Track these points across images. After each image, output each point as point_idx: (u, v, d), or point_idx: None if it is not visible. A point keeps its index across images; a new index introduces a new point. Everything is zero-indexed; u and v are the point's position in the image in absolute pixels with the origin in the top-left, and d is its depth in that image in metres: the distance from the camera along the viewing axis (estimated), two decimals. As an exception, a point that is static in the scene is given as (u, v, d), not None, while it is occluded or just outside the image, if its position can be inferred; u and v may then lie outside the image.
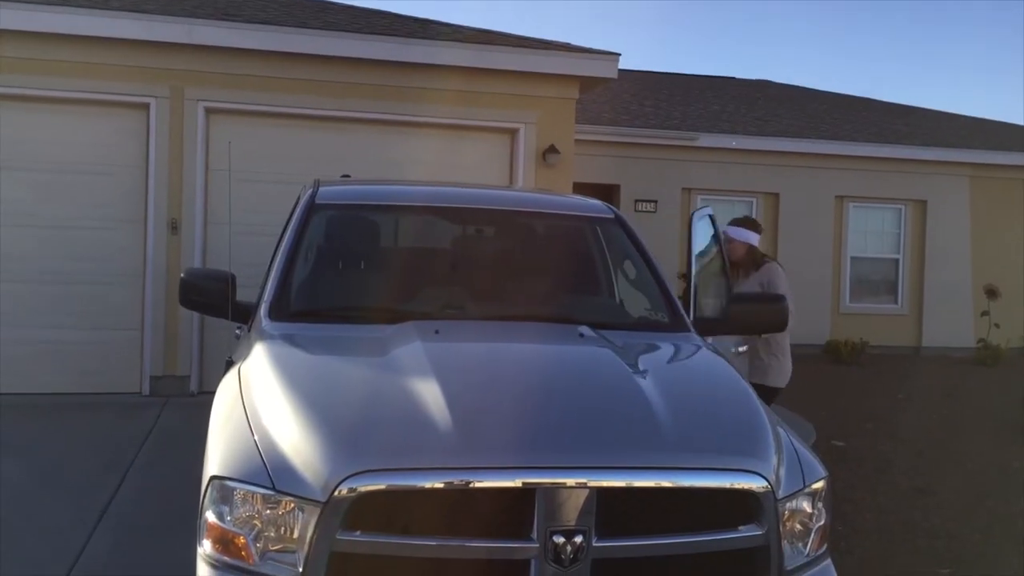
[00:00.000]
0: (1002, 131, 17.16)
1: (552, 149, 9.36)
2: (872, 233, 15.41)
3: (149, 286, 8.56)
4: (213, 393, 3.36)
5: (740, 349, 5.86)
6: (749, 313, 4.38)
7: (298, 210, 4.40)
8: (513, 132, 9.48)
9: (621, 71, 9.99)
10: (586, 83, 9.77)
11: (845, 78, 53.01)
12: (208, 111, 8.74)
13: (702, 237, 5.12)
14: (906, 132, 16.14)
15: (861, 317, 14.90)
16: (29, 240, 8.38)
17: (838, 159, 14.76)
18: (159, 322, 8.59)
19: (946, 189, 15.29)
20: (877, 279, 15.47)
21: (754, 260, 6.39)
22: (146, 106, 8.57)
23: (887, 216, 15.42)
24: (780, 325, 4.44)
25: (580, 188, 12.17)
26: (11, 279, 8.35)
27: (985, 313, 14.34)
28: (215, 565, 2.66)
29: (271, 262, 4.51)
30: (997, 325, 14.13)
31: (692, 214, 5.43)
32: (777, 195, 14.69)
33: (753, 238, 6.43)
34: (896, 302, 15.41)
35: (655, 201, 14.13)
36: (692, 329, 4.07)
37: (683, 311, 4.19)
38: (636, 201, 14.12)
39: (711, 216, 5.66)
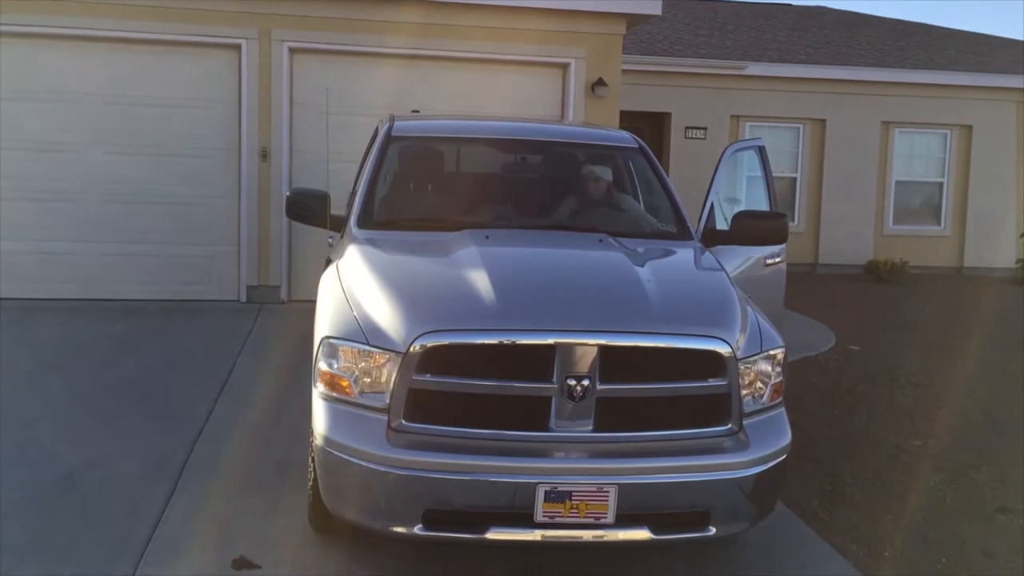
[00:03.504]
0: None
1: (600, 82, 10.20)
2: (917, 158, 15.93)
3: (244, 206, 9.74)
4: (301, 301, 4.29)
5: (772, 260, 6.23)
6: (753, 228, 5.13)
7: (378, 141, 5.43)
8: (564, 67, 10.33)
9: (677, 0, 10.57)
10: (633, 19, 10.53)
11: (911, 4, 51.62)
12: (292, 51, 9.76)
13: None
14: (955, 57, 16.47)
15: (904, 239, 15.54)
16: (143, 166, 9.58)
17: (885, 85, 15.26)
18: (252, 238, 9.79)
19: (992, 114, 15.70)
20: (921, 202, 16.06)
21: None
22: (238, 47, 9.64)
23: (933, 141, 15.91)
24: (781, 239, 5.16)
25: (633, 116, 13.02)
26: (124, 200, 9.57)
27: (1025, 235, 14.89)
28: (327, 399, 3.73)
29: (355, 183, 5.57)
30: (1036, 246, 14.68)
31: (727, 147, 6.25)
32: (824, 121, 15.28)
33: None
34: (939, 224, 15.98)
35: (704, 128, 14.85)
36: (694, 237, 5.02)
37: (689, 224, 5.14)
38: (686, 128, 14.87)
39: (760, 149, 6.42)
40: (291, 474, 4.79)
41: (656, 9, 10.16)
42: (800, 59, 15.47)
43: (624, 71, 10.87)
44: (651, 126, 14.86)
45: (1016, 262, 14.96)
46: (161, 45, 9.57)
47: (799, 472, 5.25)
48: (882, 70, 15.35)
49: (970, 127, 15.71)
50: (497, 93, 10.11)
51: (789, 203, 15.46)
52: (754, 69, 14.80)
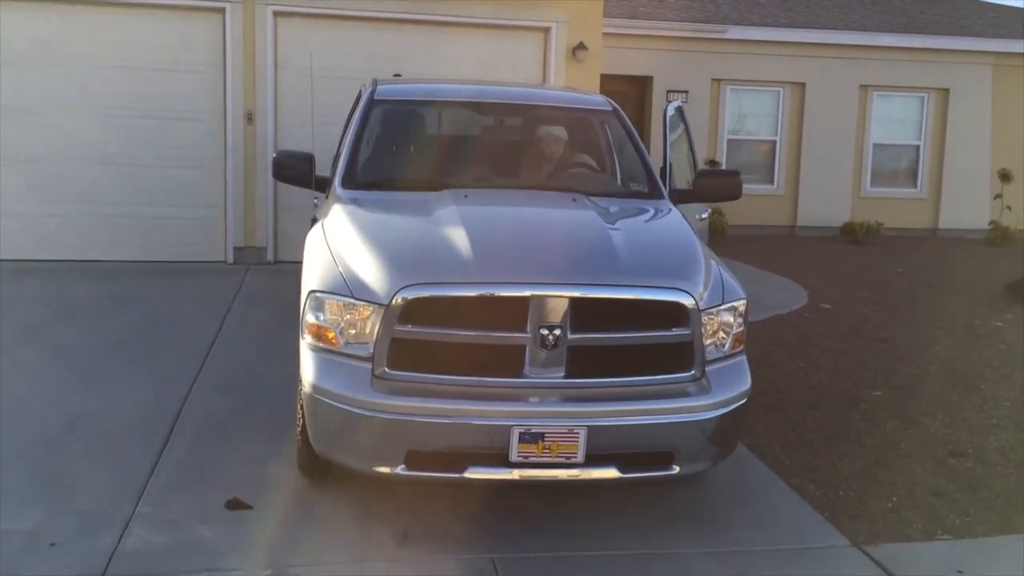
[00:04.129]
0: (1032, 19, 17.51)
1: (581, 46, 10.38)
2: (895, 121, 16.14)
3: (230, 169, 9.91)
4: (287, 262, 4.47)
5: (703, 216, 6.75)
6: (713, 185, 5.51)
7: (361, 104, 5.62)
8: (546, 31, 10.51)
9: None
10: (614, -17, 10.71)
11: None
12: (276, 14, 9.89)
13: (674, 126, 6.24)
14: (933, 21, 16.64)
15: (881, 201, 15.82)
16: (130, 130, 9.74)
17: (863, 49, 15.43)
18: (239, 200, 9.97)
19: (969, 78, 15.93)
20: (898, 165, 16.31)
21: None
22: (222, 11, 9.76)
23: (910, 104, 16.14)
24: (736, 195, 5.49)
25: (616, 80, 13.18)
26: (111, 163, 9.74)
27: (998, 196, 15.17)
28: (315, 349, 3.96)
29: (339, 145, 5.77)
30: (1009, 208, 14.98)
31: (665, 107, 6.56)
32: (803, 85, 15.48)
33: None
34: (915, 186, 16.26)
35: (686, 91, 14.99)
36: (665, 197, 5.26)
37: (661, 184, 5.37)
38: (668, 92, 14.99)
39: (680, 108, 6.81)
40: (279, 423, 5.03)
41: (636, -27, 10.33)
42: (781, 23, 15.63)
43: (605, 35, 11.06)
44: (633, 90, 15.02)
45: (989, 224, 15.26)
46: (145, 8, 9.70)
47: (764, 421, 5.53)
48: (861, 33, 15.52)
49: (947, 90, 15.93)
50: (479, 57, 10.27)
51: (768, 166, 15.71)
52: (735, 32, 14.96)
